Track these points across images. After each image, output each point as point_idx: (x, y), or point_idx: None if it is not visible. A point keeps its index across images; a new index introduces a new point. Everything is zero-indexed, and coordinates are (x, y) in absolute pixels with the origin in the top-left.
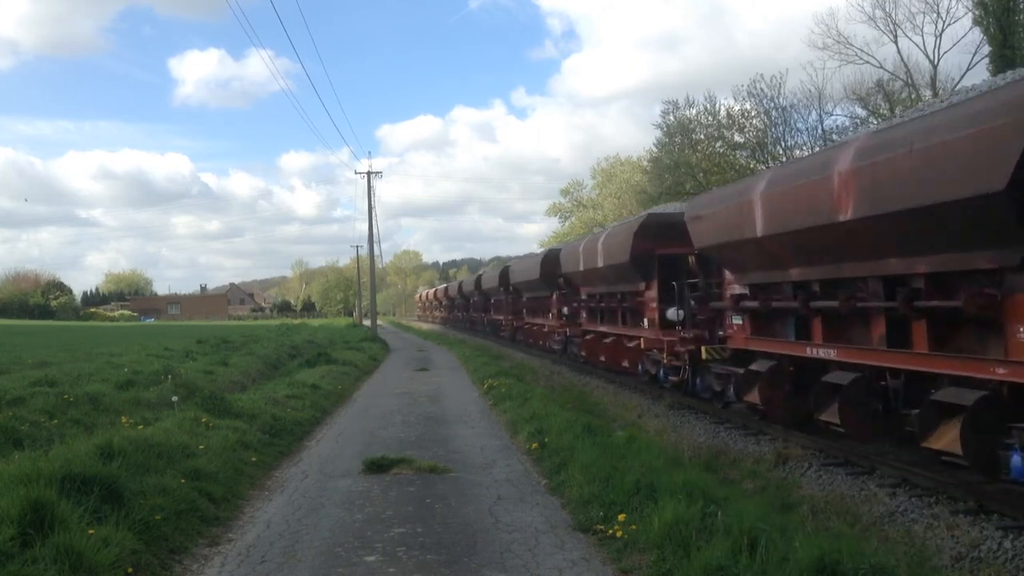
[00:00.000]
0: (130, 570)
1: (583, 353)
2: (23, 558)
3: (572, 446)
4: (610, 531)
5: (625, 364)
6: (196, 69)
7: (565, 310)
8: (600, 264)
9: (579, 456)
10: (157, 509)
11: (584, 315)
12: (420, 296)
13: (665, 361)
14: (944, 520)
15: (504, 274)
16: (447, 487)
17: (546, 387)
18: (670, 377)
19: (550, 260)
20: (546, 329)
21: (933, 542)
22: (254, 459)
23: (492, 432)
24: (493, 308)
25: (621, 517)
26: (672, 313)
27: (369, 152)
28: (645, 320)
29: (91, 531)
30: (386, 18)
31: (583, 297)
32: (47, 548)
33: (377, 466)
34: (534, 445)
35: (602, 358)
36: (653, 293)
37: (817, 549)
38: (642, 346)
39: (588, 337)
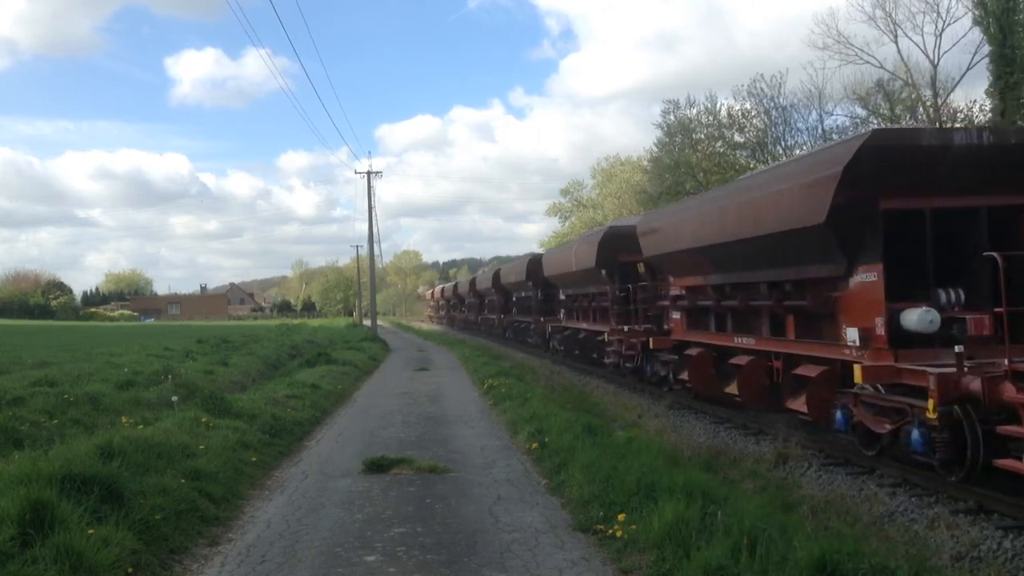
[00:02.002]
0: (130, 570)
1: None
2: (23, 558)
3: (572, 446)
4: (610, 531)
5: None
6: (193, 69)
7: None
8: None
9: (579, 456)
10: (157, 509)
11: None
12: (431, 294)
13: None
14: (944, 520)
15: (606, 242)
16: (447, 487)
17: (546, 387)
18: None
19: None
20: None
21: (933, 542)
22: (254, 459)
23: (492, 432)
24: (564, 309)
25: (621, 517)
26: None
27: (368, 152)
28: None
29: (91, 531)
30: (385, 18)
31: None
32: (47, 548)
33: (377, 466)
34: (534, 445)
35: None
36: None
37: (817, 549)
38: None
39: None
